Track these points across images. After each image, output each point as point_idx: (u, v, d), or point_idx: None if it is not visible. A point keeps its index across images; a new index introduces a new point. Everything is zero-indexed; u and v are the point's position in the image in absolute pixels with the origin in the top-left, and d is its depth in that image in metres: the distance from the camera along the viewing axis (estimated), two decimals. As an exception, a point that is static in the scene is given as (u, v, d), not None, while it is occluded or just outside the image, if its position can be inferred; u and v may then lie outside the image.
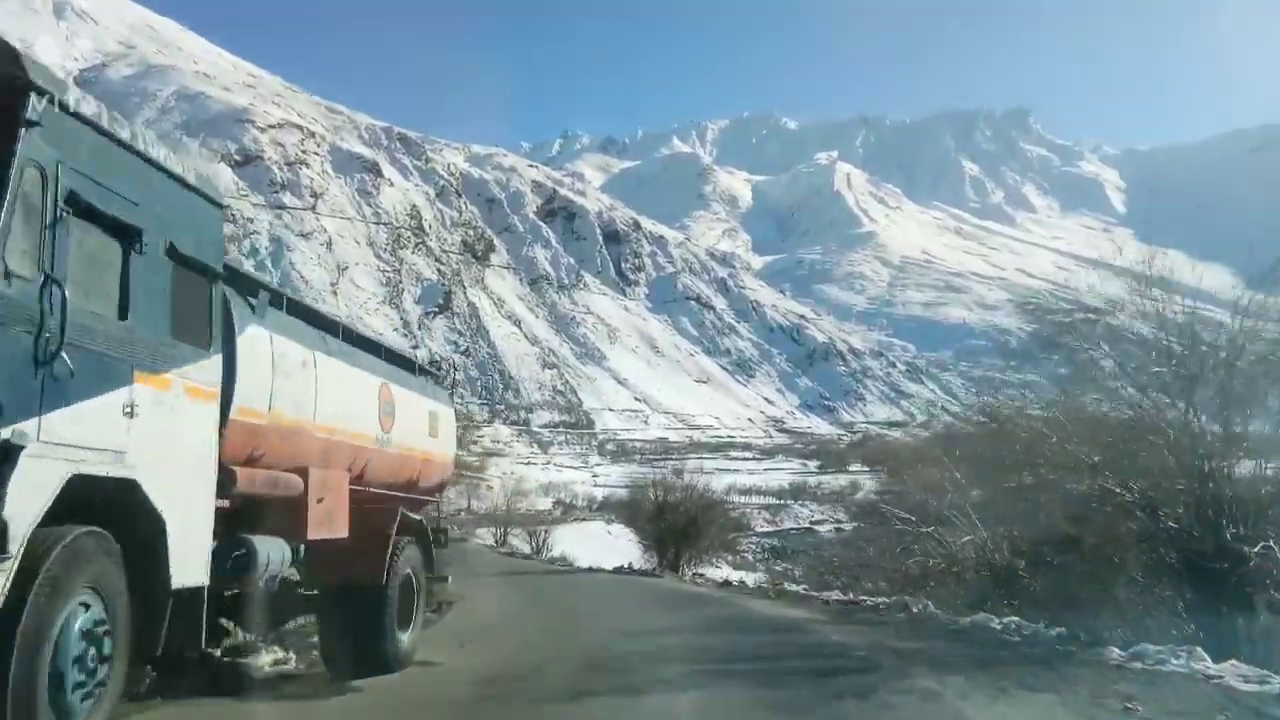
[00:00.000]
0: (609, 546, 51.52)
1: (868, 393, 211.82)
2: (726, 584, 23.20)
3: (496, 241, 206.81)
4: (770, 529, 77.50)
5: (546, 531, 45.66)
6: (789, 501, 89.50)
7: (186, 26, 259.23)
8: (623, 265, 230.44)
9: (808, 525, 79.92)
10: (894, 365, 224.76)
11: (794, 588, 21.22)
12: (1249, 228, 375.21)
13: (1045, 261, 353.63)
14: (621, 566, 28.46)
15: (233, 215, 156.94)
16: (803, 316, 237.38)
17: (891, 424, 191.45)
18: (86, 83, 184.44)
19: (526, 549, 42.76)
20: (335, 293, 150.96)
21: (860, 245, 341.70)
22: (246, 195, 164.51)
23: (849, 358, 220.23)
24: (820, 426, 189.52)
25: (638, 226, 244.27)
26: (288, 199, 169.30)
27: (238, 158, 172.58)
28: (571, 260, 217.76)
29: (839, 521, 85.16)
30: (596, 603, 16.94)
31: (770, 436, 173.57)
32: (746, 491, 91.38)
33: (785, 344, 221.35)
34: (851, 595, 17.53)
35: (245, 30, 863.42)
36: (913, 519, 17.27)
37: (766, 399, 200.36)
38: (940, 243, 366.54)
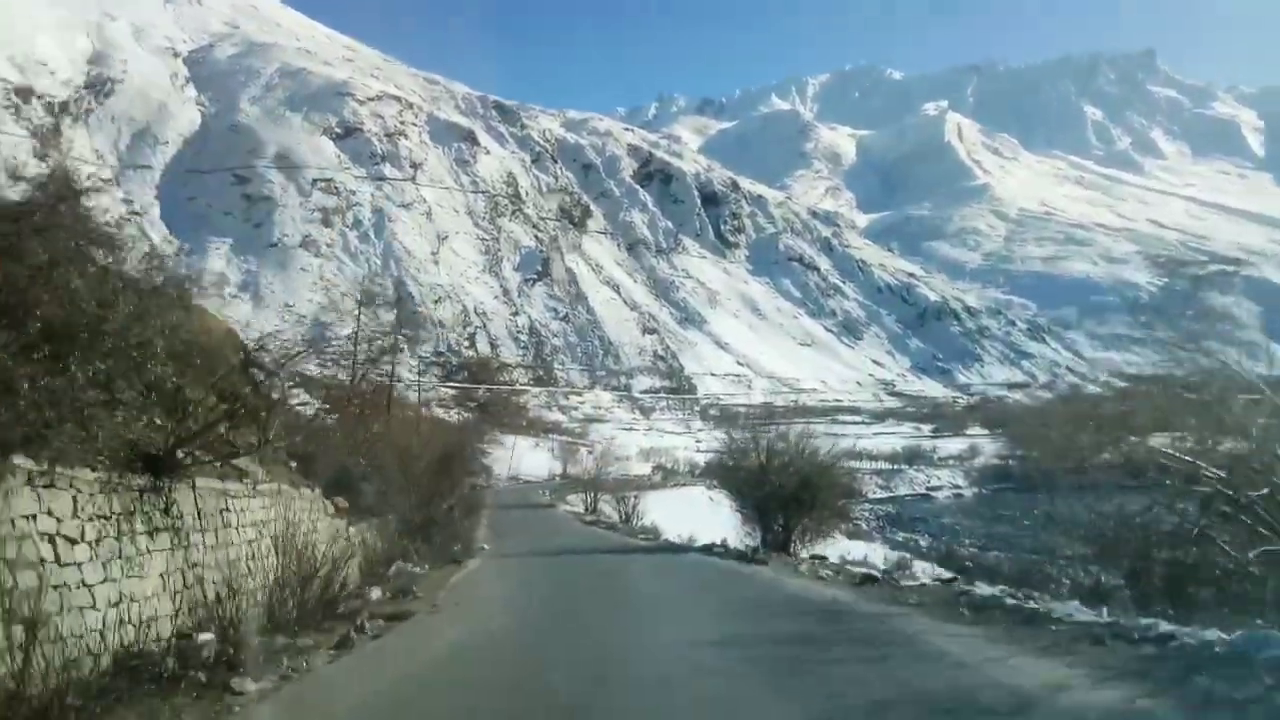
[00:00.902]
0: (710, 515, 47.59)
1: (985, 353, 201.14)
2: (868, 580, 14.06)
3: (593, 207, 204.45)
4: (883, 495, 72.70)
5: (636, 498, 42.03)
6: (902, 466, 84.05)
7: (286, 4, 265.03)
8: (722, 227, 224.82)
9: (923, 491, 74.87)
10: (1013, 324, 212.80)
11: (987, 589, 11.92)
12: None
13: (1177, 210, 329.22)
14: (713, 544, 22.05)
15: (336, 188, 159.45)
16: (912, 275, 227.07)
17: (1012, 385, 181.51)
18: (195, 63, 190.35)
19: (616, 516, 39.96)
20: (436, 262, 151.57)
21: (973, 199, 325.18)
22: (349, 168, 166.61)
23: (964, 317, 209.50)
24: (933, 389, 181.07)
25: (736, 187, 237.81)
26: (388, 170, 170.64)
27: (339, 131, 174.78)
28: (669, 224, 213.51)
29: (957, 487, 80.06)
30: (649, 628, 10.01)
31: (880, 400, 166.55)
32: (857, 455, 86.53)
33: (894, 304, 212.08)
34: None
35: (342, 5, 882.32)
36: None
37: (875, 361, 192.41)
38: (1060, 194, 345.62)
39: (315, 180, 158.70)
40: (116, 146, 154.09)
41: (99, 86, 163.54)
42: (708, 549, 21.48)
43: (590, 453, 72.41)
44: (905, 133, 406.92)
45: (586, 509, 44.49)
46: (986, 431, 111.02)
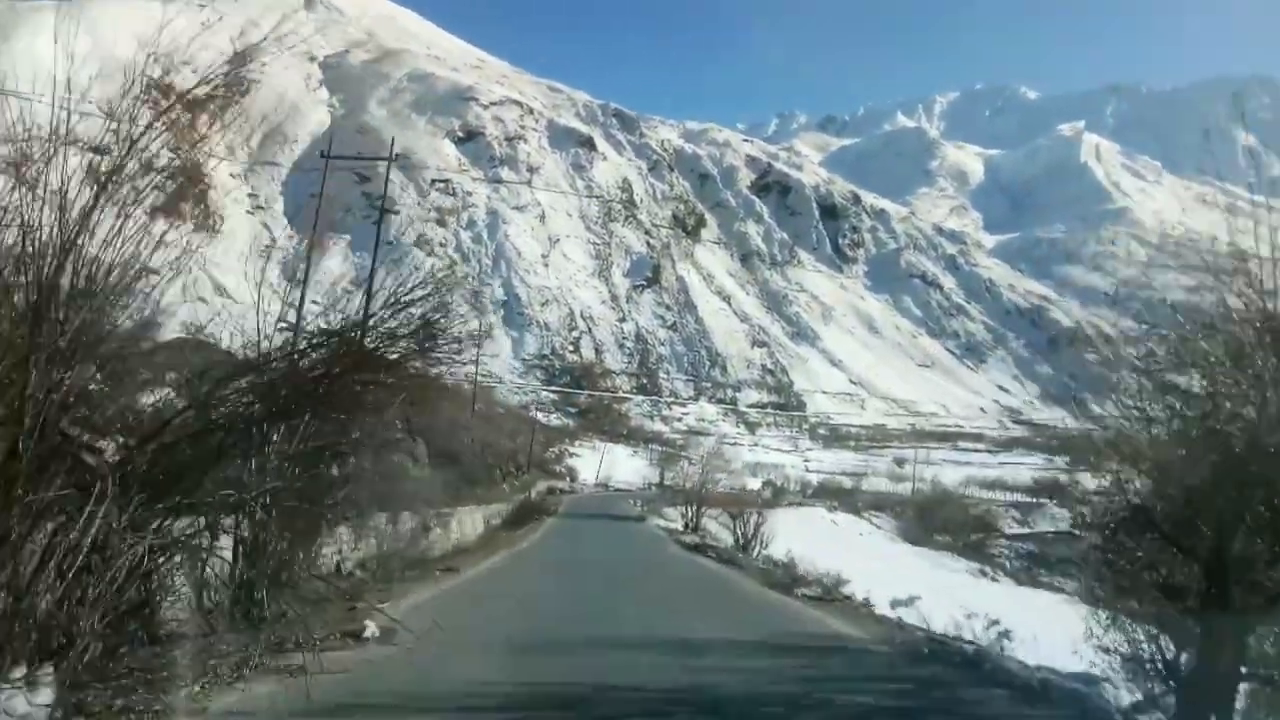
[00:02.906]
0: (863, 545, 41.63)
1: (1123, 382, 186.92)
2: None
3: (708, 216, 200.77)
4: (1022, 530, 65.31)
5: (760, 517, 30.88)
6: (1043, 500, 76.10)
7: (423, 16, 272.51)
8: (840, 241, 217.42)
9: (1069, 529, 66.99)
10: (1154, 355, 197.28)
11: None
12: None
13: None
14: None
15: (453, 189, 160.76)
16: (1044, 298, 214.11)
17: (1151, 419, 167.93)
18: (330, 67, 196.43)
19: (728, 538, 30.02)
20: (546, 264, 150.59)
21: (1110, 222, 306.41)
22: (467, 170, 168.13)
23: (1099, 344, 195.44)
24: (1065, 419, 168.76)
25: (857, 200, 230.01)
26: (505, 174, 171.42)
27: (460, 134, 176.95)
28: (785, 236, 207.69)
29: (1108, 526, 71.44)
30: None
31: (1005, 427, 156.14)
32: (990, 486, 79.34)
33: (1023, 327, 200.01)
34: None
35: (477, 19, 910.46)
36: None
37: (1001, 387, 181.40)
38: (1207, 220, 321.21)
39: (434, 180, 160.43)
40: (249, 144, 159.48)
41: (237, 86, 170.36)
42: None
43: (692, 462, 68.02)
44: (1038, 153, 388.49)
45: (687, 525, 35.78)
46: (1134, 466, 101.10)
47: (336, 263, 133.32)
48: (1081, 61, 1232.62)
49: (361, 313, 9.86)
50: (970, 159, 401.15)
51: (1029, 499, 77.07)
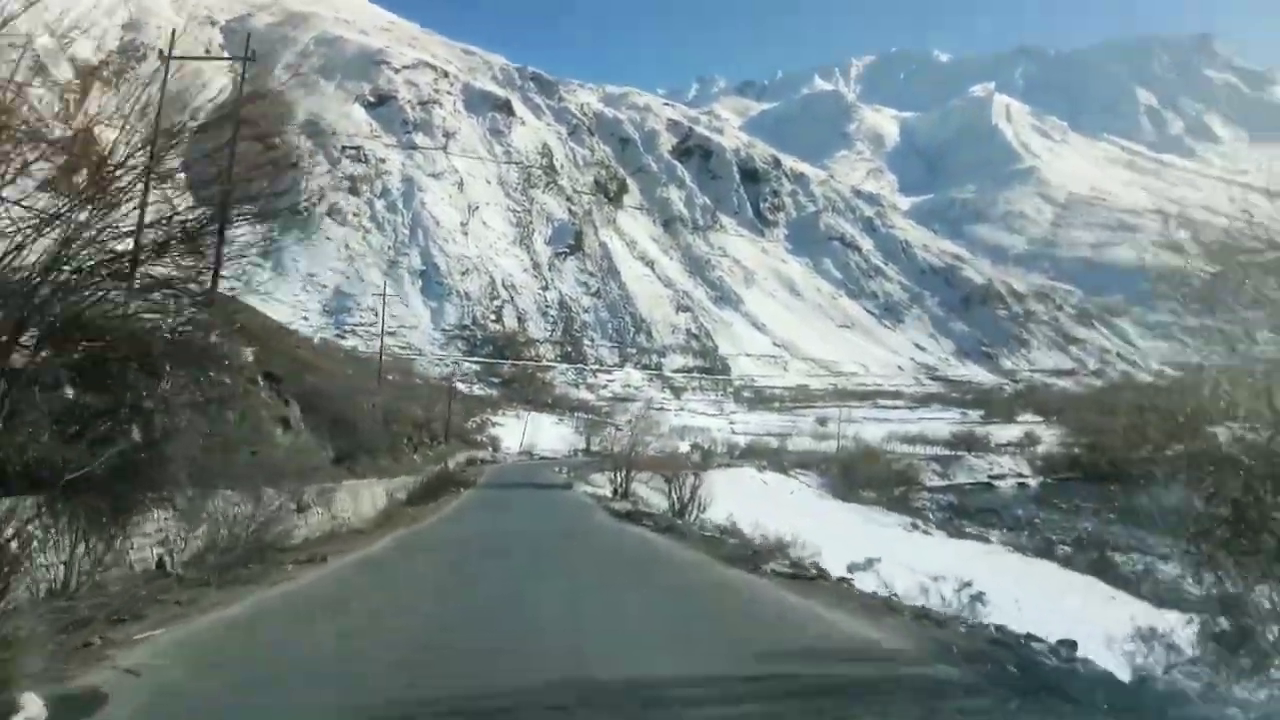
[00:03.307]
0: (808, 507, 41.42)
1: (1032, 338, 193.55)
2: None
3: (630, 182, 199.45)
4: (942, 483, 67.02)
5: (696, 479, 28.37)
6: (961, 453, 78.36)
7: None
8: (761, 205, 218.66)
9: (985, 480, 69.19)
10: (1061, 309, 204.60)
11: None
12: None
13: (1233, 196, 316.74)
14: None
15: (365, 156, 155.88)
16: (957, 257, 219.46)
17: (1060, 372, 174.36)
18: (232, 31, 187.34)
19: (660, 502, 27.77)
20: (465, 233, 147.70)
21: (1019, 182, 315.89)
22: (379, 136, 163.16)
23: (1010, 301, 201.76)
24: (979, 374, 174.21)
25: (777, 164, 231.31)
26: (420, 139, 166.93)
27: (371, 99, 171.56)
28: (707, 200, 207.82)
29: (1021, 476, 74.33)
30: None
31: (922, 384, 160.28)
32: (911, 441, 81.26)
33: (938, 286, 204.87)
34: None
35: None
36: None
37: (918, 345, 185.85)
38: (1110, 178, 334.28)
39: (345, 148, 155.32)
40: (146, 112, 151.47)
41: (132, 52, 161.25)
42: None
43: (620, 429, 67.71)
44: (951, 115, 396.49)
45: (616, 492, 33.02)
46: (1040, 418, 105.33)
47: (243, 231, 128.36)
48: (991, 23, 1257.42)
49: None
50: (886, 122, 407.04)
51: (947, 452, 79.19)
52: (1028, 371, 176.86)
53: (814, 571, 12.25)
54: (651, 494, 30.61)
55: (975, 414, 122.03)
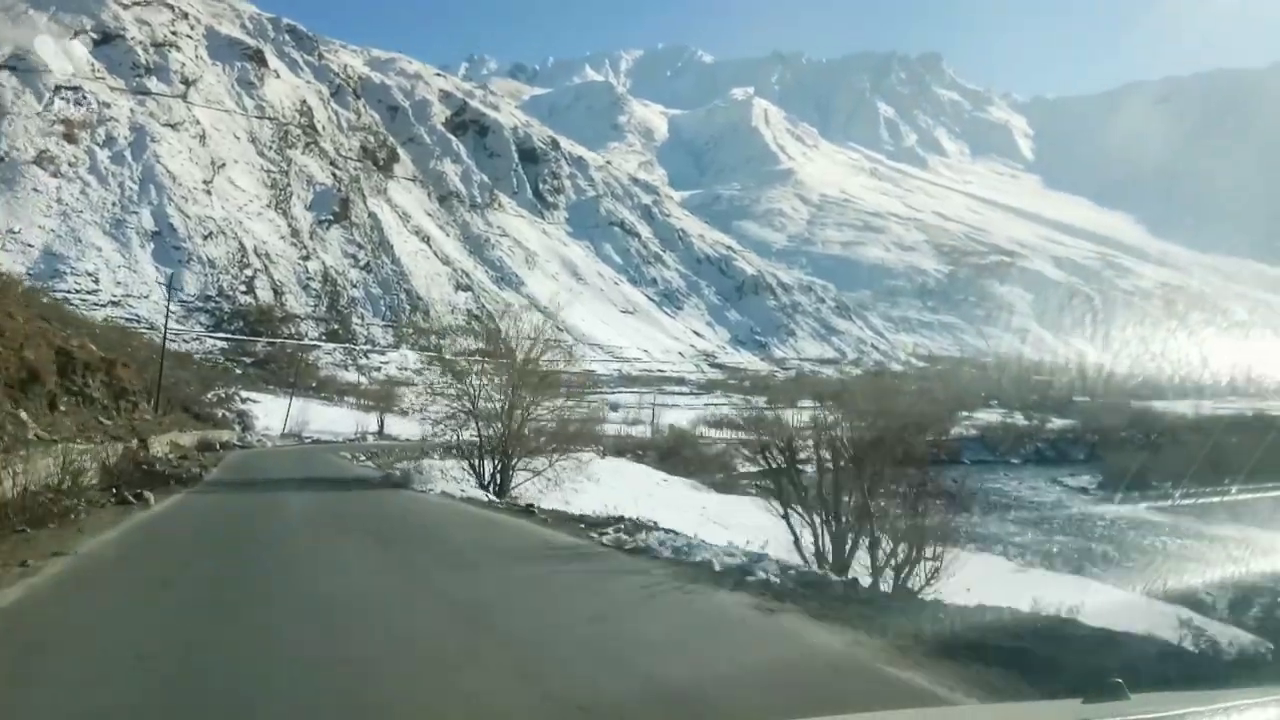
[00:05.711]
0: (664, 492, 36.75)
1: (799, 328, 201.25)
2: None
3: (400, 151, 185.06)
4: (752, 469, 64.00)
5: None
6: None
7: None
8: (540, 186, 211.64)
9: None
10: (823, 301, 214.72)
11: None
12: (1149, 177, 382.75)
13: (959, 204, 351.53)
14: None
15: (84, 98, 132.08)
16: (730, 248, 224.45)
17: (824, 361, 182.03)
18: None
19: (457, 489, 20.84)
20: (209, 192, 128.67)
21: (779, 182, 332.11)
22: (103, 78, 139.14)
23: (779, 292, 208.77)
24: (753, 362, 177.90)
25: (556, 146, 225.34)
26: (153, 84, 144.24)
27: (95, 36, 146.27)
28: (485, 178, 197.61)
29: (825, 460, 73.47)
30: None
31: (703, 371, 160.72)
32: (718, 424, 78.34)
33: (714, 275, 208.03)
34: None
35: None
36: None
37: (696, 332, 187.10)
38: (857, 183, 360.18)
39: (59, 87, 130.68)
40: None
41: None
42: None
43: (404, 414, 58.34)
44: (715, 114, 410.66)
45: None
46: (817, 404, 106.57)
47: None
48: (750, 28, 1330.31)
49: None
50: (655, 117, 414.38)
51: (752, 437, 77.13)
52: (796, 360, 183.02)
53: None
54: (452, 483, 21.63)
55: (759, 400, 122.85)
